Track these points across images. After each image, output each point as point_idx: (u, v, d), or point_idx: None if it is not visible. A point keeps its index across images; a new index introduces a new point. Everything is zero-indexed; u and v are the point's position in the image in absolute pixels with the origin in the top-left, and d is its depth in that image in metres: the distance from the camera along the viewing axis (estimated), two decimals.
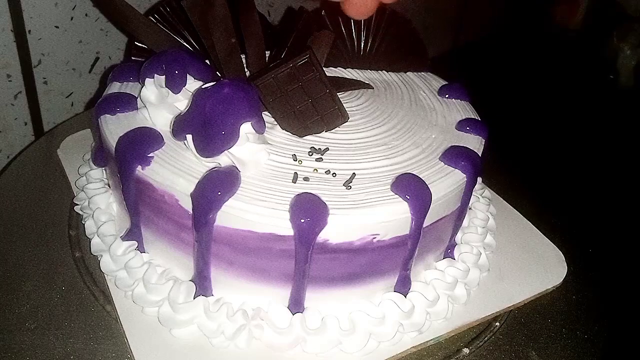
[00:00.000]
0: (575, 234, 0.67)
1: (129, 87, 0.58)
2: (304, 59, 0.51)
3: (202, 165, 0.48)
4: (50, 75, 0.78)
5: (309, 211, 0.45)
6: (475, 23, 1.37)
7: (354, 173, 0.50)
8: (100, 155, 0.59)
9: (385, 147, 0.54)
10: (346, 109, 0.55)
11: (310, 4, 0.67)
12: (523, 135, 0.95)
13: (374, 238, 0.47)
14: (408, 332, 0.50)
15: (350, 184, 0.48)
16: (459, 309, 0.54)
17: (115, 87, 0.58)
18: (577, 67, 1.27)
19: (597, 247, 0.67)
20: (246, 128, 0.47)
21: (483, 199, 0.63)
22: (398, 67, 0.68)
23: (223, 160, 0.48)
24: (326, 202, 0.45)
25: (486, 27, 1.38)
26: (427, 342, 0.51)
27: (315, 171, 0.50)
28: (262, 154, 0.49)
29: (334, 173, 0.49)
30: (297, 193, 0.46)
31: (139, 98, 0.54)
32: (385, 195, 0.48)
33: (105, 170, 0.60)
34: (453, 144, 0.55)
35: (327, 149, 0.52)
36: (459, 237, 0.59)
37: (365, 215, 0.46)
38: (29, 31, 0.73)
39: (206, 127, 0.46)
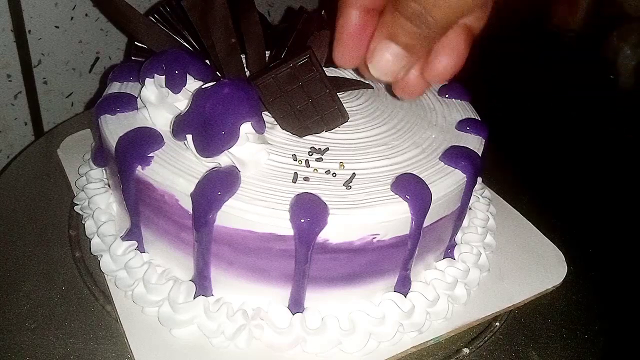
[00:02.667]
0: (575, 234, 0.67)
1: (129, 87, 0.58)
2: (304, 59, 0.51)
3: (202, 165, 0.48)
4: (50, 75, 0.78)
5: (309, 211, 0.45)
6: None
7: (354, 173, 0.50)
8: (100, 155, 0.59)
9: (385, 147, 0.54)
10: (346, 109, 0.55)
11: (310, 4, 0.67)
12: (523, 135, 0.95)
13: (374, 238, 0.47)
14: (408, 332, 0.50)
15: (350, 184, 0.48)
16: (459, 309, 0.54)
17: (115, 87, 0.58)
18: (577, 67, 1.27)
19: (597, 247, 0.67)
20: (246, 128, 0.47)
21: (483, 199, 0.63)
22: None
23: (223, 160, 0.48)
24: (326, 202, 0.45)
25: (486, 27, 1.38)
26: (427, 342, 0.51)
27: (315, 171, 0.50)
28: (262, 154, 0.49)
29: (334, 173, 0.49)
30: (297, 193, 0.46)
31: (139, 98, 0.54)
32: (385, 195, 0.48)
33: (105, 170, 0.60)
34: (453, 144, 0.55)
35: (327, 149, 0.52)
36: (459, 237, 0.59)
37: (365, 215, 0.46)
38: (29, 31, 0.73)
39: (206, 127, 0.46)
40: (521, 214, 0.67)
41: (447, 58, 0.39)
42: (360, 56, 0.40)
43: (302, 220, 0.44)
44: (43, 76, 0.78)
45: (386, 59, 0.38)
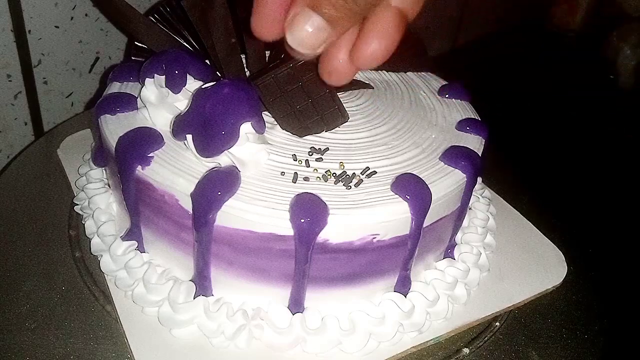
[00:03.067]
0: (575, 234, 0.67)
1: (129, 87, 0.58)
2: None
3: (202, 165, 0.48)
4: (50, 75, 0.78)
5: (309, 211, 0.45)
6: (475, 23, 1.37)
7: (353, 173, 0.50)
8: (100, 155, 0.59)
9: (385, 147, 0.54)
10: (346, 109, 0.55)
11: None
12: (523, 135, 0.95)
13: (374, 238, 0.47)
14: (408, 332, 0.50)
15: (350, 184, 0.48)
16: (459, 309, 0.54)
17: (115, 87, 0.58)
18: (577, 67, 1.27)
19: (597, 247, 0.67)
20: (246, 128, 0.47)
21: (483, 199, 0.63)
22: (398, 67, 0.68)
23: (223, 160, 0.48)
24: (326, 202, 0.45)
25: (486, 27, 1.38)
26: (427, 342, 0.51)
27: (315, 171, 0.50)
28: (262, 154, 0.49)
29: (334, 173, 0.49)
30: (297, 193, 0.46)
31: (139, 98, 0.54)
32: (385, 195, 0.48)
33: (105, 170, 0.60)
34: (453, 144, 0.55)
35: (327, 149, 0.52)
36: (459, 237, 0.59)
37: (365, 215, 0.46)
38: (29, 31, 0.73)
39: (206, 127, 0.46)
40: (521, 214, 0.67)
41: (378, 42, 0.37)
42: (281, 29, 0.37)
43: (302, 220, 0.44)
44: (43, 76, 0.78)
45: (306, 30, 0.35)
